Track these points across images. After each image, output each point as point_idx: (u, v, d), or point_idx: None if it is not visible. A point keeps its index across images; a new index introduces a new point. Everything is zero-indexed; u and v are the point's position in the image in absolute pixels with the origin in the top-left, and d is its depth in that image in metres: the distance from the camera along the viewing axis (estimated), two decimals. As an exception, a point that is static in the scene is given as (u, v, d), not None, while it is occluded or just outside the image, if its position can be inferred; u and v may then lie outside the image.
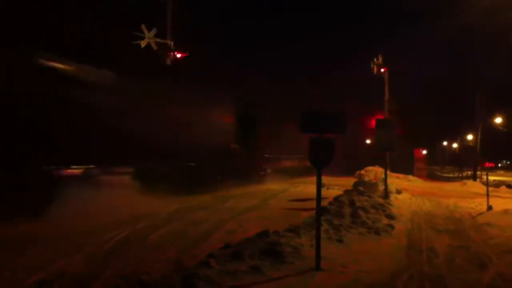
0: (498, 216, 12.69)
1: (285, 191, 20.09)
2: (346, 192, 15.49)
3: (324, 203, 10.55)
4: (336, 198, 13.49)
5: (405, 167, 36.85)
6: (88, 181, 13.03)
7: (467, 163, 51.54)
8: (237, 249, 7.51)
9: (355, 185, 18.02)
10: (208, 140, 18.73)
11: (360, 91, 41.82)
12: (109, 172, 14.23)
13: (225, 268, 6.68)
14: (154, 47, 24.92)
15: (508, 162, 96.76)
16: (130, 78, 15.24)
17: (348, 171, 31.63)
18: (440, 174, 60.26)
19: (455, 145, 76.72)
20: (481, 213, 13.64)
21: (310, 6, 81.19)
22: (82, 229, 10.12)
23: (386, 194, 15.91)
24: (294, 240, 8.41)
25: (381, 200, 14.16)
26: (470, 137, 53.92)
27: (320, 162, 7.45)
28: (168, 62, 26.17)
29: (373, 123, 17.77)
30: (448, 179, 44.27)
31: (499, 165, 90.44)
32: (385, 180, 16.70)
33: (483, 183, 28.27)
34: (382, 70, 35.60)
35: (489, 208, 14.29)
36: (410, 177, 33.79)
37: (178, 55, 26.19)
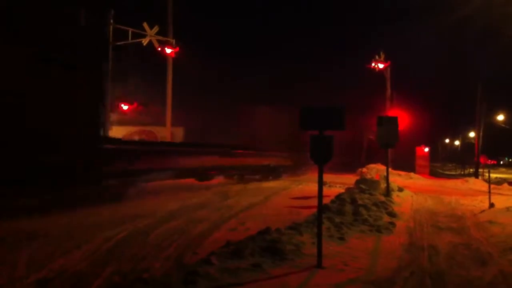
0: (500, 213, 12.66)
1: (287, 189, 20.07)
2: (348, 190, 15.49)
3: (325, 200, 10.53)
4: (338, 196, 13.48)
5: (407, 164, 36.81)
6: None
7: (469, 160, 51.49)
8: (238, 246, 7.51)
9: (357, 183, 18.02)
10: None
11: (362, 88, 41.73)
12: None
13: (226, 265, 6.68)
14: (156, 44, 24.94)
15: (511, 160, 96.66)
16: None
17: (350, 169, 31.61)
18: (442, 171, 60.19)
19: (457, 143, 76.70)
20: (483, 211, 13.61)
21: (310, 4, 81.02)
22: (82, 227, 10.15)
23: (387, 191, 15.91)
24: (295, 237, 8.41)
25: (382, 198, 14.16)
26: (472, 134, 53.86)
27: (321, 159, 7.44)
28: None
29: (375, 120, 17.72)
30: (450, 177, 44.20)
31: (501, 162, 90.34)
32: (387, 177, 16.70)
33: (485, 180, 28.21)
34: (382, 66, 35.52)
35: (491, 205, 14.25)
36: (412, 174, 33.76)
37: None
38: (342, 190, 15.71)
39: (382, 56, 35.51)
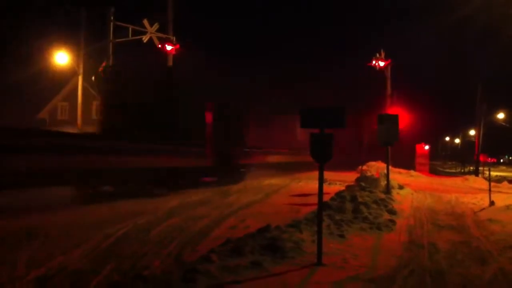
0: (500, 211, 12.66)
1: (287, 186, 20.08)
2: (348, 187, 15.49)
3: (325, 198, 10.52)
4: (338, 193, 13.48)
5: (407, 162, 36.83)
6: None
7: (469, 158, 51.49)
8: (238, 244, 7.50)
9: (357, 180, 18.04)
10: None
11: (363, 86, 41.76)
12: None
13: (226, 263, 6.67)
14: (157, 41, 24.93)
15: (511, 158, 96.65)
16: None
17: (350, 166, 31.61)
18: (442, 169, 60.24)
19: (457, 141, 76.71)
20: (483, 209, 13.61)
21: (310, 4, 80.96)
22: (83, 224, 10.15)
23: (388, 189, 15.92)
24: (295, 235, 8.40)
25: (383, 196, 14.16)
26: (472, 132, 53.86)
27: (322, 157, 7.43)
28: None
29: (375, 118, 17.71)
30: (450, 175, 44.24)
31: (501, 160, 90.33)
32: (387, 175, 16.70)
33: (485, 178, 28.20)
34: (382, 64, 35.48)
35: (491, 203, 14.25)
36: (412, 172, 33.80)
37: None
38: (342, 188, 15.71)
39: (383, 55, 35.47)
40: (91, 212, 11.85)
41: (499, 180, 29.38)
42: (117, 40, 23.36)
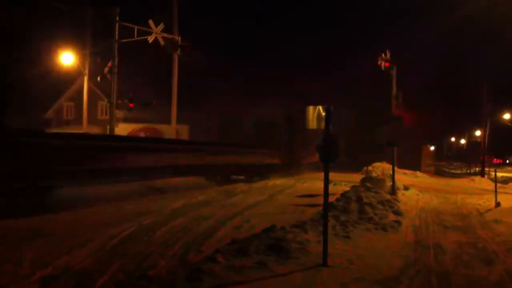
0: (506, 212, 12.60)
1: (292, 187, 20.06)
2: (353, 188, 15.44)
3: (331, 199, 10.49)
4: (343, 194, 13.44)
5: (412, 163, 36.70)
6: None
7: (475, 159, 51.29)
8: (243, 244, 7.50)
9: (362, 181, 17.98)
10: None
11: (368, 87, 41.66)
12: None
13: (231, 263, 6.67)
14: (162, 42, 24.94)
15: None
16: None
17: (355, 167, 31.53)
18: (448, 170, 60.03)
19: (462, 141, 76.46)
20: (489, 210, 13.56)
21: (318, 4, 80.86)
22: (88, 223, 10.17)
23: (393, 190, 15.87)
24: (300, 236, 8.39)
25: (388, 196, 14.11)
26: (478, 133, 53.67)
27: (328, 157, 7.41)
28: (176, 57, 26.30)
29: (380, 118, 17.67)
30: (456, 175, 44.09)
31: (507, 161, 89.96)
32: (392, 176, 16.65)
33: (491, 179, 28.10)
34: (388, 65, 35.39)
35: (497, 204, 14.20)
36: (418, 173, 33.69)
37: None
38: (348, 188, 15.66)
39: (388, 55, 35.37)
40: (97, 212, 11.88)
41: (505, 181, 29.28)
42: (122, 40, 23.37)
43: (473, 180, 30.03)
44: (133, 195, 15.13)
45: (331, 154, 7.39)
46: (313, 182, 21.67)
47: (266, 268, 6.67)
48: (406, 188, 18.13)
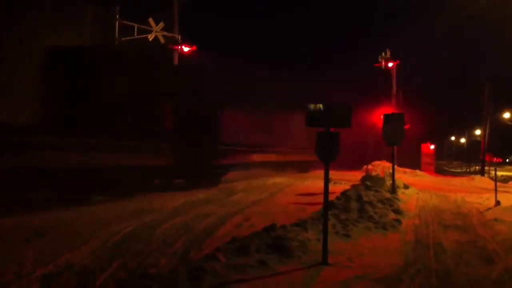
0: (506, 211, 12.61)
1: (292, 185, 20.08)
2: (353, 186, 15.45)
3: (331, 197, 10.50)
4: (344, 193, 13.45)
5: (412, 162, 36.73)
6: None
7: (475, 158, 51.31)
8: (244, 243, 7.51)
9: (363, 179, 18.00)
10: None
11: (368, 85, 41.66)
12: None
13: (232, 262, 6.68)
14: (162, 40, 24.95)
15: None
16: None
17: (355, 166, 31.56)
18: (448, 169, 60.04)
19: (462, 140, 76.50)
20: (489, 209, 13.57)
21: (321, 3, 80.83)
22: (89, 222, 10.20)
23: (393, 189, 15.88)
24: (301, 234, 8.39)
25: (388, 195, 14.13)
26: (478, 132, 53.67)
27: (328, 156, 7.42)
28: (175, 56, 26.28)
29: (381, 117, 17.66)
30: (456, 174, 44.11)
31: (507, 160, 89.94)
32: (392, 175, 16.67)
33: (491, 178, 28.11)
34: (390, 64, 35.44)
35: (497, 203, 14.20)
36: (418, 172, 33.70)
37: (186, 49, 26.18)
38: (348, 187, 15.68)
39: (389, 54, 35.40)
40: (98, 210, 11.90)
41: (505, 180, 29.28)
42: (123, 38, 23.37)
43: (473, 178, 30.05)
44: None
45: (331, 152, 7.41)
46: (313, 181, 21.69)
47: (266, 266, 6.68)
48: (406, 186, 18.15)
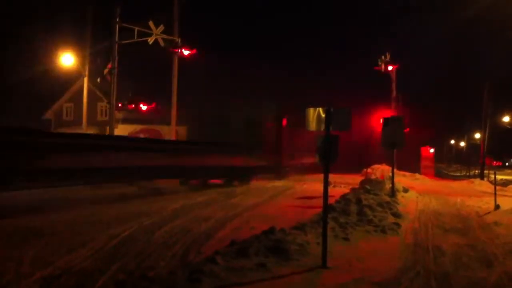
0: (506, 215, 12.62)
1: (291, 189, 20.08)
2: (353, 190, 15.46)
3: (330, 201, 10.48)
4: (343, 196, 13.46)
5: (412, 165, 36.66)
6: None
7: (474, 161, 51.32)
8: (243, 246, 7.51)
9: (362, 183, 18.00)
10: None
11: (368, 88, 41.69)
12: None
13: (231, 264, 6.68)
14: (162, 43, 24.95)
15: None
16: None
17: (355, 169, 31.53)
18: (447, 172, 59.97)
19: (462, 144, 76.49)
20: (489, 212, 13.56)
21: (317, 5, 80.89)
22: (89, 223, 10.19)
23: (393, 192, 15.87)
24: (300, 237, 8.40)
25: (387, 198, 14.12)
26: (477, 135, 53.67)
27: (327, 159, 7.42)
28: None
29: (381, 120, 17.66)
30: (455, 178, 44.04)
31: (506, 163, 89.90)
32: (392, 178, 16.65)
33: (490, 182, 28.09)
34: (390, 68, 35.44)
35: (497, 207, 14.21)
36: (417, 175, 33.64)
37: (186, 52, 26.18)
38: (347, 190, 15.68)
39: (388, 57, 35.41)
40: (97, 212, 11.89)
41: (505, 183, 29.23)
42: (123, 41, 23.37)
43: (472, 182, 30.03)
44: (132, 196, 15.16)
45: (331, 155, 7.41)
46: (312, 184, 21.67)
47: (266, 269, 6.68)
48: (405, 190, 18.14)
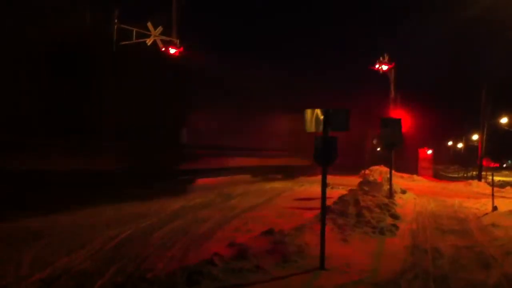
0: (503, 216, 12.61)
1: (290, 190, 20.08)
2: (351, 191, 15.46)
3: (328, 202, 10.50)
4: (341, 198, 13.46)
5: (410, 166, 36.72)
6: None
7: (472, 163, 51.36)
8: (242, 247, 7.51)
9: (360, 184, 17.99)
10: None
11: (366, 89, 41.70)
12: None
13: (230, 266, 6.69)
14: (160, 44, 24.95)
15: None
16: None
17: (352, 170, 31.56)
18: (445, 174, 59.97)
19: (460, 145, 76.59)
20: (486, 214, 13.56)
21: (315, 5, 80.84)
22: (87, 225, 10.19)
23: (390, 193, 15.88)
24: (298, 239, 8.41)
25: (385, 200, 14.12)
26: (475, 137, 53.73)
27: (325, 160, 7.43)
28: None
29: (378, 121, 17.67)
30: (453, 179, 44.05)
31: (504, 165, 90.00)
32: (390, 179, 16.67)
33: (488, 183, 28.13)
34: (386, 68, 35.49)
35: (494, 208, 14.20)
36: (415, 176, 33.67)
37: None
38: (345, 192, 15.67)
39: (386, 58, 35.46)
40: (96, 214, 11.89)
41: (502, 185, 29.26)
42: (122, 43, 23.34)
43: (470, 184, 30.02)
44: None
45: (329, 157, 7.42)
46: (310, 185, 21.70)
47: (264, 271, 6.70)
48: (403, 191, 18.15)
